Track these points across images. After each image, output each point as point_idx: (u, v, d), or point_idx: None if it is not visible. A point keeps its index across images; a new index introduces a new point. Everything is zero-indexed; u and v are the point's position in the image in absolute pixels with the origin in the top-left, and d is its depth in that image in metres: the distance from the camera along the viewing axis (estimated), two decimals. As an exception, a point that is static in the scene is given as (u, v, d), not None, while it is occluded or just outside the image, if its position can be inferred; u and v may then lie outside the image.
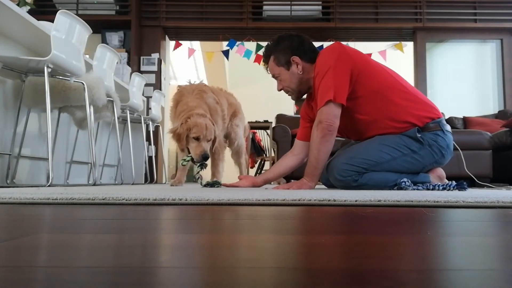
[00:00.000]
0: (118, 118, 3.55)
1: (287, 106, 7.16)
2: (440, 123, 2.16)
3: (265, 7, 6.00)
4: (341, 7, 5.98)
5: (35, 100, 2.71)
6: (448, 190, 1.98)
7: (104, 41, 5.72)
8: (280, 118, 5.34)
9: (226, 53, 6.26)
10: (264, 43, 4.78)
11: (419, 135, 2.11)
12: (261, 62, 2.45)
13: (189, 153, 2.65)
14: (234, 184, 2.33)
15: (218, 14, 6.00)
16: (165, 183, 5.19)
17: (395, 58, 6.22)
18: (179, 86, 3.24)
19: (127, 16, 5.76)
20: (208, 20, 5.99)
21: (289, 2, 6.00)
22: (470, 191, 2.02)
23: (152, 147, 5.21)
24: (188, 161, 2.63)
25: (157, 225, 0.71)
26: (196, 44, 7.14)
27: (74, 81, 2.72)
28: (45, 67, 2.41)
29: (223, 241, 0.52)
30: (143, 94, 4.54)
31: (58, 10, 2.51)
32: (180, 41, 6.17)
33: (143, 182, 4.86)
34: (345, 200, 1.07)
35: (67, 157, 3.49)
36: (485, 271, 0.36)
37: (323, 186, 2.57)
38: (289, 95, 2.34)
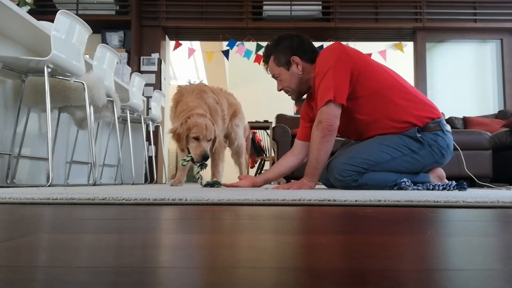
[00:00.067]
0: (118, 118, 3.55)
1: (287, 106, 7.17)
2: (440, 123, 2.16)
3: (265, 7, 6.00)
4: (341, 7, 5.98)
5: (35, 100, 2.71)
6: (448, 190, 1.98)
7: (104, 41, 5.72)
8: (280, 118, 5.34)
9: (226, 53, 6.26)
10: (264, 43, 4.78)
11: (419, 135, 2.11)
12: (261, 62, 2.45)
13: (189, 153, 2.65)
14: (234, 184, 2.33)
15: (218, 14, 6.00)
16: (165, 183, 5.19)
17: (395, 58, 6.22)
18: (179, 86, 3.24)
19: (127, 16, 5.76)
20: (208, 20, 5.99)
21: (289, 2, 6.00)
22: (470, 191, 2.02)
23: (152, 147, 5.21)
24: (188, 161, 2.63)
25: (157, 225, 0.71)
26: (196, 44, 7.14)
27: (74, 81, 2.72)
28: (45, 67, 2.41)
29: (223, 241, 0.52)
30: (143, 94, 4.54)
31: (58, 10, 2.51)
32: (180, 41, 6.17)
33: (143, 182, 4.86)
34: (345, 200, 1.07)
35: (67, 157, 3.49)
36: (485, 271, 0.36)
37: (323, 186, 2.57)
38: (289, 95, 2.34)
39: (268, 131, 6.03)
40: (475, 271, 0.35)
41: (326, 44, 4.77)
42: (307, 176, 2.09)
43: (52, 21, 2.46)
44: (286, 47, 2.22)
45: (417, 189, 2.04)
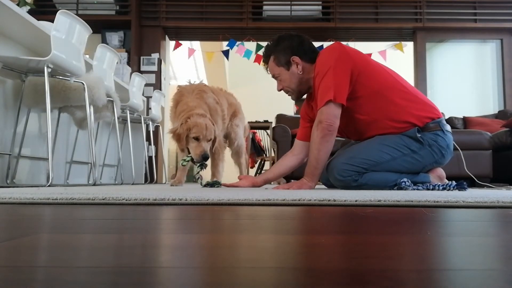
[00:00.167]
0: (118, 118, 3.55)
1: (287, 106, 7.17)
2: (440, 123, 2.16)
3: (265, 7, 6.00)
4: (341, 7, 5.98)
5: (35, 100, 2.71)
6: (448, 190, 1.98)
7: (104, 41, 5.72)
8: (280, 118, 5.34)
9: (226, 53, 6.26)
10: (264, 43, 4.78)
11: (419, 135, 2.11)
12: (261, 62, 2.45)
13: (189, 153, 2.65)
14: (234, 184, 2.33)
15: (218, 14, 6.00)
16: (165, 183, 5.19)
17: (395, 58, 6.22)
18: (179, 86, 3.24)
19: (127, 16, 5.76)
20: (208, 20, 5.99)
21: (289, 2, 6.00)
22: (470, 191, 2.02)
23: (152, 147, 5.21)
24: (188, 161, 2.63)
25: (157, 225, 0.71)
26: (196, 44, 7.14)
27: (74, 81, 2.72)
28: (45, 67, 2.41)
29: (223, 241, 0.52)
30: (143, 94, 4.54)
31: (58, 10, 2.51)
32: (180, 41, 6.17)
33: (143, 182, 4.86)
34: (345, 200, 1.07)
35: (67, 157, 3.49)
36: (485, 271, 0.36)
37: (323, 186, 2.57)
38: (289, 95, 2.34)
39: (268, 131, 6.03)
40: (475, 271, 0.35)
41: (326, 44, 4.77)
42: (307, 176, 2.09)
43: (52, 21, 2.46)
44: (286, 47, 2.22)
45: (417, 189, 2.04)
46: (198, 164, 2.62)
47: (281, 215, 0.85)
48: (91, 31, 2.81)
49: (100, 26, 5.63)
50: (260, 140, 7.10)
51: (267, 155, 6.77)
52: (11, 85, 2.74)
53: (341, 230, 0.65)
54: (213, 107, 2.88)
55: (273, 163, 4.82)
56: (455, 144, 2.30)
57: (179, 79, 9.20)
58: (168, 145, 6.07)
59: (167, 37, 6.19)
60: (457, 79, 6.25)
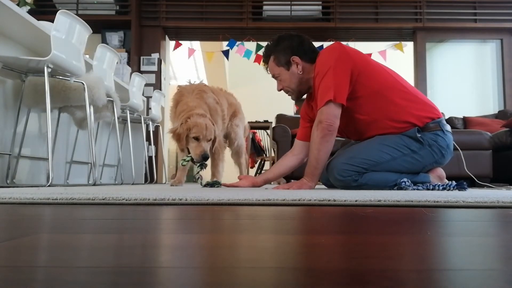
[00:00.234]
0: (118, 118, 3.55)
1: (287, 106, 7.17)
2: (440, 123, 2.16)
3: (265, 7, 6.00)
4: (341, 7, 5.98)
5: (35, 100, 2.71)
6: (448, 190, 1.98)
7: (104, 41, 5.72)
8: (280, 118, 5.34)
9: (226, 53, 6.26)
10: (264, 43, 4.78)
11: (419, 135, 2.11)
12: (261, 62, 2.45)
13: (189, 153, 2.65)
14: (234, 184, 2.33)
15: (218, 14, 6.00)
16: (165, 183, 5.19)
17: (395, 58, 6.22)
18: (179, 86, 3.24)
19: (127, 16, 5.76)
20: (208, 20, 5.99)
21: (289, 2, 6.00)
22: (470, 191, 2.02)
23: (152, 147, 5.21)
24: (188, 161, 2.63)
25: (157, 225, 0.71)
26: (196, 44, 7.14)
27: (74, 81, 2.72)
28: (45, 67, 2.41)
29: (223, 241, 0.52)
30: (143, 94, 4.54)
31: (58, 10, 2.51)
32: (180, 41, 6.17)
33: (143, 182, 4.86)
34: (345, 200, 1.07)
35: (67, 157, 3.49)
36: (485, 271, 0.36)
37: (323, 186, 2.57)
38: (289, 95, 2.34)
39: (268, 131, 6.03)
40: (475, 271, 0.35)
41: (326, 44, 4.77)
42: (307, 176, 2.09)
43: (52, 21, 2.46)
44: (286, 47, 2.22)
45: (417, 189, 2.04)
46: (198, 164, 2.62)
47: (281, 215, 0.85)
48: (91, 31, 2.81)
49: (100, 26, 5.63)
50: (260, 140, 7.10)
51: (267, 155, 6.77)
52: (11, 85, 2.74)
53: (341, 230, 0.65)
54: (213, 107, 2.88)
55: (273, 163, 4.82)
56: (455, 144, 2.30)
57: (179, 79, 9.20)
58: (168, 145, 6.07)
59: (167, 37, 6.19)
60: (457, 79, 6.25)
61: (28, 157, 2.94)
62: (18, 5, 3.28)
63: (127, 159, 4.02)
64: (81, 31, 2.69)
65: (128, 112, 3.93)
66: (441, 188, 2.03)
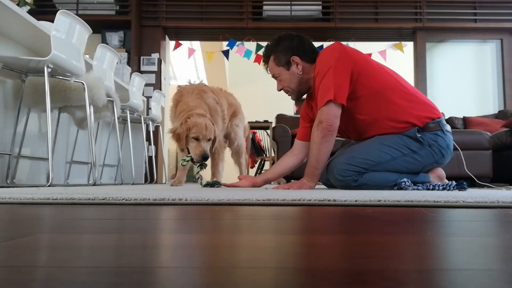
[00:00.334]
0: (118, 118, 3.55)
1: (287, 106, 7.16)
2: (440, 123, 2.16)
3: (265, 7, 6.00)
4: (341, 7, 5.98)
5: (35, 100, 2.71)
6: (448, 190, 1.98)
7: (104, 41, 5.72)
8: (280, 118, 5.34)
9: (226, 53, 6.26)
10: (264, 43, 4.78)
11: (419, 135, 2.11)
12: (261, 62, 2.45)
13: (189, 153, 2.65)
14: (234, 184, 2.33)
15: (218, 14, 6.00)
16: (165, 183, 5.19)
17: (395, 58, 6.22)
18: (179, 86, 3.24)
19: (127, 16, 5.76)
20: (208, 20, 5.99)
21: (289, 2, 6.00)
22: (470, 191, 2.02)
23: (152, 147, 5.21)
24: (188, 161, 2.63)
25: (157, 225, 0.71)
26: (196, 44, 7.14)
27: (74, 81, 2.72)
28: (45, 67, 2.41)
29: (223, 241, 0.52)
30: (143, 94, 4.54)
31: (58, 10, 2.51)
32: (180, 41, 6.17)
33: (143, 182, 4.86)
34: (345, 200, 1.07)
35: (67, 157, 3.49)
36: (485, 271, 0.36)
37: (323, 186, 2.57)
38: (289, 95, 2.34)
39: (268, 131, 6.03)
40: (475, 271, 0.35)
41: (326, 44, 4.76)
42: (307, 176, 2.09)
43: (52, 21, 2.46)
44: (286, 47, 2.22)
45: (417, 189, 2.04)
46: (198, 164, 2.62)
47: (281, 215, 0.85)
48: (91, 31, 2.81)
49: (100, 26, 5.63)
50: (260, 140, 7.10)
51: (267, 155, 6.77)
52: (11, 85, 2.74)
53: (341, 230, 0.65)
54: (213, 107, 2.88)
55: (273, 163, 4.82)
56: (455, 144, 2.30)
57: (179, 79, 9.20)
58: (168, 145, 6.06)
59: (167, 37, 6.19)
60: (457, 79, 6.25)
61: (28, 157, 2.94)
62: (18, 5, 3.28)
63: (127, 159, 4.02)
64: (81, 31, 2.69)
65: (128, 112, 3.93)
66: (441, 188, 2.03)
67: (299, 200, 1.08)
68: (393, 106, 2.12)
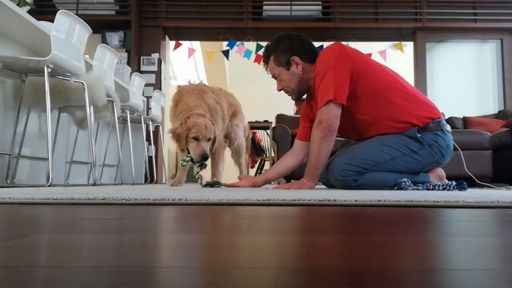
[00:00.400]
0: (118, 118, 3.55)
1: (287, 106, 7.16)
2: (440, 123, 2.16)
3: (265, 7, 6.00)
4: (341, 7, 5.98)
5: (35, 100, 2.71)
6: (448, 190, 1.98)
7: (104, 41, 5.72)
8: (280, 118, 5.34)
9: (226, 53, 6.26)
10: (264, 43, 4.78)
11: (419, 135, 2.11)
12: (261, 62, 2.45)
13: (189, 153, 2.65)
14: (234, 184, 2.33)
15: (218, 14, 6.00)
16: (165, 183, 5.19)
17: (395, 58, 6.22)
18: (179, 86, 3.24)
19: (127, 16, 5.76)
20: (208, 20, 5.99)
21: (289, 2, 6.00)
22: (470, 191, 2.02)
23: (152, 147, 5.21)
24: (187, 161, 2.63)
25: (157, 225, 0.71)
26: (196, 44, 7.14)
27: (74, 81, 2.72)
28: (45, 67, 2.41)
29: (223, 241, 0.52)
30: (143, 94, 4.54)
31: (58, 10, 2.51)
32: (180, 41, 6.17)
33: (143, 182, 4.86)
34: (345, 200, 1.07)
35: (67, 157, 3.49)
36: (485, 271, 0.36)
37: (323, 186, 2.57)
38: (289, 95, 2.34)
39: (268, 131, 6.03)
40: (475, 271, 0.35)
41: (326, 44, 4.76)
42: (307, 176, 2.09)
43: (52, 21, 2.46)
44: (286, 47, 2.22)
45: (417, 189, 2.04)
46: (197, 164, 2.62)
47: (281, 215, 0.85)
48: (91, 31, 2.81)
49: (100, 26, 5.63)
50: (260, 140, 7.10)
51: (267, 155, 6.77)
52: (11, 85, 2.74)
53: (341, 230, 0.65)
54: (213, 107, 2.88)
55: (273, 163, 4.82)
56: (455, 144, 2.30)
57: (179, 79, 9.20)
58: (168, 145, 6.06)
59: (167, 37, 6.19)
60: (457, 79, 6.25)
61: (28, 157, 2.94)
62: (18, 5, 3.28)
63: (127, 159, 4.02)
64: (81, 31, 2.69)
65: (128, 112, 3.93)
66: (441, 188, 2.03)
67: (299, 200, 1.07)
68: (393, 106, 2.12)
